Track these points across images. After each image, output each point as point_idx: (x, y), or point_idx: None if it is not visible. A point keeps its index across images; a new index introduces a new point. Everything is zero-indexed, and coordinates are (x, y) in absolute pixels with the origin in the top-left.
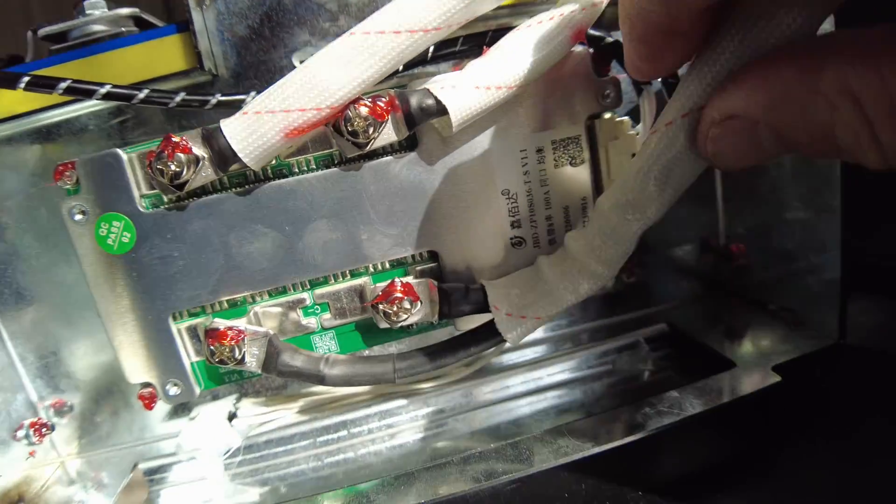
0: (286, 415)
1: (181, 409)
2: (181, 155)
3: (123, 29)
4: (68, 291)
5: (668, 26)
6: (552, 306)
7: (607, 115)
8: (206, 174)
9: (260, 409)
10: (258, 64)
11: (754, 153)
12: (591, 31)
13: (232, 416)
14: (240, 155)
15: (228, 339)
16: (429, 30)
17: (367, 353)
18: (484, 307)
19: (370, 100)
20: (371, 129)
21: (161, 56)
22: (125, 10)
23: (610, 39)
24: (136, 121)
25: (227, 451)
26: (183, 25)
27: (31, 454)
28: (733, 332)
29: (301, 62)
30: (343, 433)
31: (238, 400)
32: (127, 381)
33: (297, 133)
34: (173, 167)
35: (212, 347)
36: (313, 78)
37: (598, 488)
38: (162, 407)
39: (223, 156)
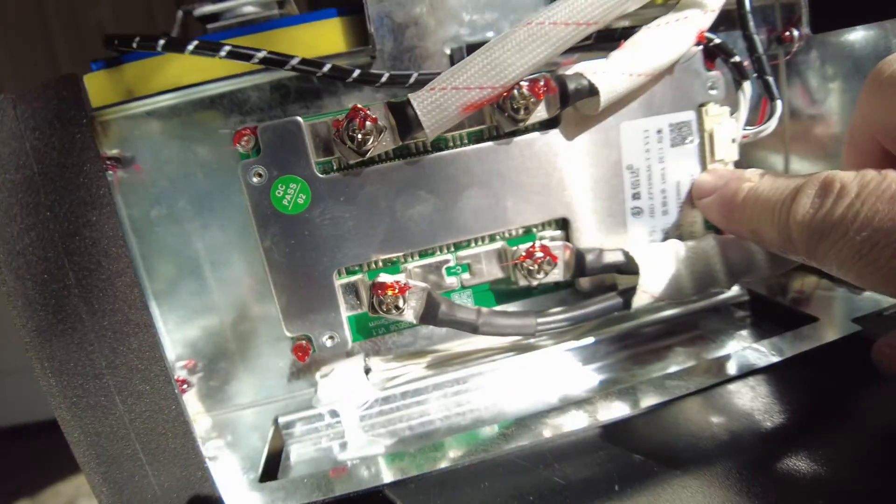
0: (416, 369)
1: (309, 368)
2: (369, 124)
3: (274, 11)
4: (214, 255)
5: None
6: (678, 294)
7: (712, 104)
8: (386, 143)
9: (391, 364)
10: (412, 49)
11: None
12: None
13: (368, 371)
14: (424, 126)
15: (395, 291)
16: (591, 24)
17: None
18: (615, 269)
19: (529, 81)
20: (530, 107)
21: (322, 37)
22: None
23: (718, 40)
24: (296, 95)
25: (365, 404)
26: (344, 9)
27: None
28: (801, 298)
29: (451, 50)
30: (469, 385)
31: (368, 356)
32: (285, 334)
33: (473, 108)
34: (361, 135)
35: (380, 298)
36: (493, 60)
37: (707, 420)
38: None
39: (408, 126)
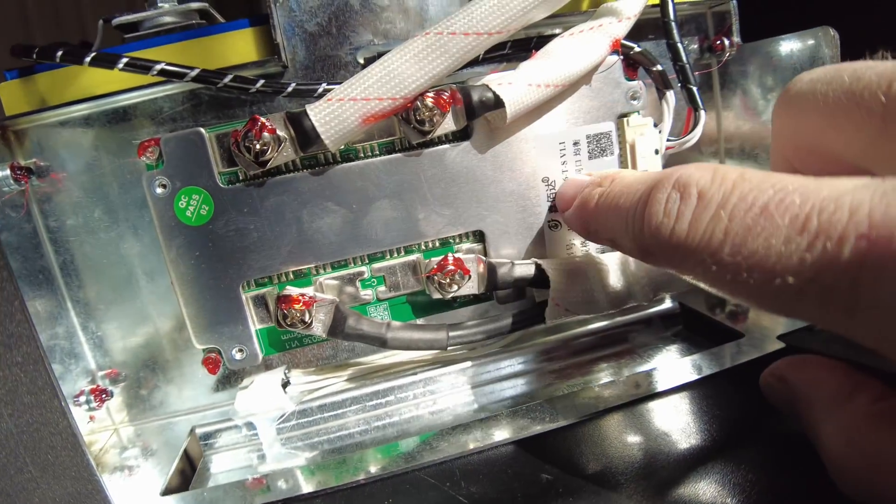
0: (336, 382)
1: (229, 380)
2: (267, 135)
3: (193, 21)
4: (132, 265)
5: None
6: (592, 308)
7: (634, 114)
8: (287, 154)
9: (311, 377)
10: (325, 58)
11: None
12: (623, 41)
13: (286, 384)
14: (322, 137)
15: (301, 304)
16: (492, 33)
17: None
18: (527, 282)
19: (435, 93)
20: (435, 119)
21: (235, 47)
22: (195, 4)
23: (638, 49)
24: (208, 105)
25: (281, 417)
26: (255, 19)
27: (91, 419)
28: (738, 311)
29: (365, 59)
30: (388, 398)
31: (289, 369)
32: (194, 346)
33: (373, 120)
34: (259, 145)
35: (284, 311)
36: (392, 71)
37: (622, 439)
38: (210, 379)
39: (306, 137)
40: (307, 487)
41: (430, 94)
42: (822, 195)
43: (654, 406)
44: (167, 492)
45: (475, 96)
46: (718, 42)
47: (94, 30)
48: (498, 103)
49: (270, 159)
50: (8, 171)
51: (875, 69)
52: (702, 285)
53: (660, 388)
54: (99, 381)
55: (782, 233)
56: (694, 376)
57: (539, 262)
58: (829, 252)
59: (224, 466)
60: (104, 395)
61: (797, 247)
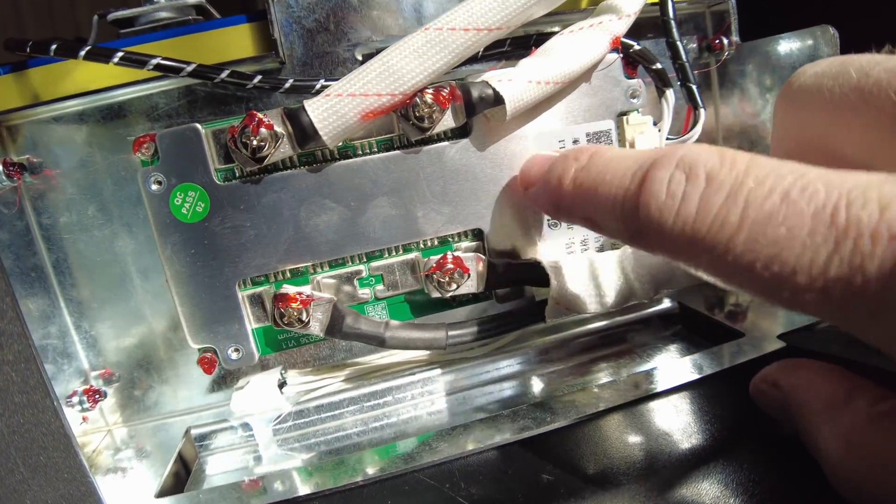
0: (333, 383)
1: (225, 380)
2: (264, 130)
3: (189, 17)
4: (126, 263)
5: None
6: (592, 307)
7: (634, 113)
8: (284, 150)
9: (307, 377)
10: (323, 55)
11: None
12: (623, 39)
13: (282, 385)
14: (320, 133)
15: (298, 303)
16: (492, 29)
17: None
18: (527, 281)
19: (434, 89)
20: (434, 116)
21: (231, 43)
22: (191, 0)
23: (637, 47)
24: (204, 101)
25: (278, 417)
26: (253, 15)
27: (85, 419)
28: (738, 311)
29: (363, 56)
30: (386, 399)
31: (285, 370)
32: (189, 346)
33: (372, 116)
34: (255, 141)
35: (281, 310)
36: (391, 67)
37: (622, 440)
38: (206, 379)
39: (304, 133)
40: (304, 489)
41: (430, 91)
42: (847, 186)
43: (654, 406)
44: (162, 494)
45: (475, 93)
46: (717, 41)
47: (88, 25)
48: (498, 100)
49: (267, 156)
50: (0, 168)
51: (884, 65)
52: (701, 275)
53: (660, 388)
54: (92, 381)
55: (807, 224)
56: (694, 376)
57: (539, 260)
58: (862, 251)
59: (220, 468)
60: (97, 396)
61: (824, 240)
